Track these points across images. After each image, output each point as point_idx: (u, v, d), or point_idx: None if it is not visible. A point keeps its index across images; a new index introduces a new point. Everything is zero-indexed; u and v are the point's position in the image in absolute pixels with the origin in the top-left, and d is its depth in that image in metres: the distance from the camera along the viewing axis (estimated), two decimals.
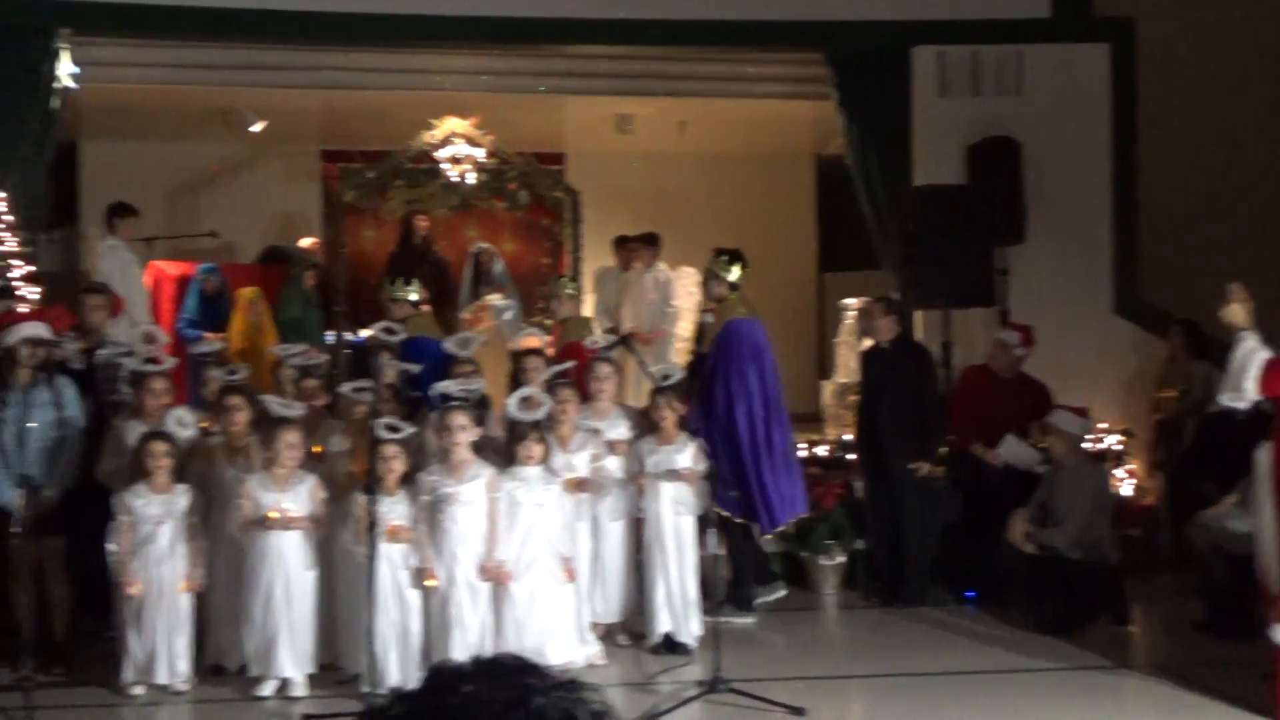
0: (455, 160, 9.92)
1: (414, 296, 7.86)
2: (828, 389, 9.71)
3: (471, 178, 10.03)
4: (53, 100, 8.97)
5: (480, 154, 9.97)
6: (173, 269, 9.89)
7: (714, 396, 6.92)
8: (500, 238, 11.54)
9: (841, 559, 8.05)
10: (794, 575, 8.21)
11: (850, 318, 9.66)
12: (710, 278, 7.33)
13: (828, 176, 12.09)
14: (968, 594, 7.59)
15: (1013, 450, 7.67)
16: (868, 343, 9.08)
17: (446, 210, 11.14)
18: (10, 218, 8.66)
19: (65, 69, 9.08)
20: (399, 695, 1.11)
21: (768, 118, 10.88)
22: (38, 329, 6.29)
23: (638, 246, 10.05)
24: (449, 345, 7.38)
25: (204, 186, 12.14)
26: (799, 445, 8.71)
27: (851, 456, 8.37)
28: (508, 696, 1.03)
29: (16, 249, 8.64)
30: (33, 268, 8.90)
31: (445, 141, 9.90)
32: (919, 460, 7.52)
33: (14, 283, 7.56)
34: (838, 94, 9.44)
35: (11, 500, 6.07)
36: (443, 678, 1.09)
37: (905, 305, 8.36)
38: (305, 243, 11.02)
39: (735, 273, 7.29)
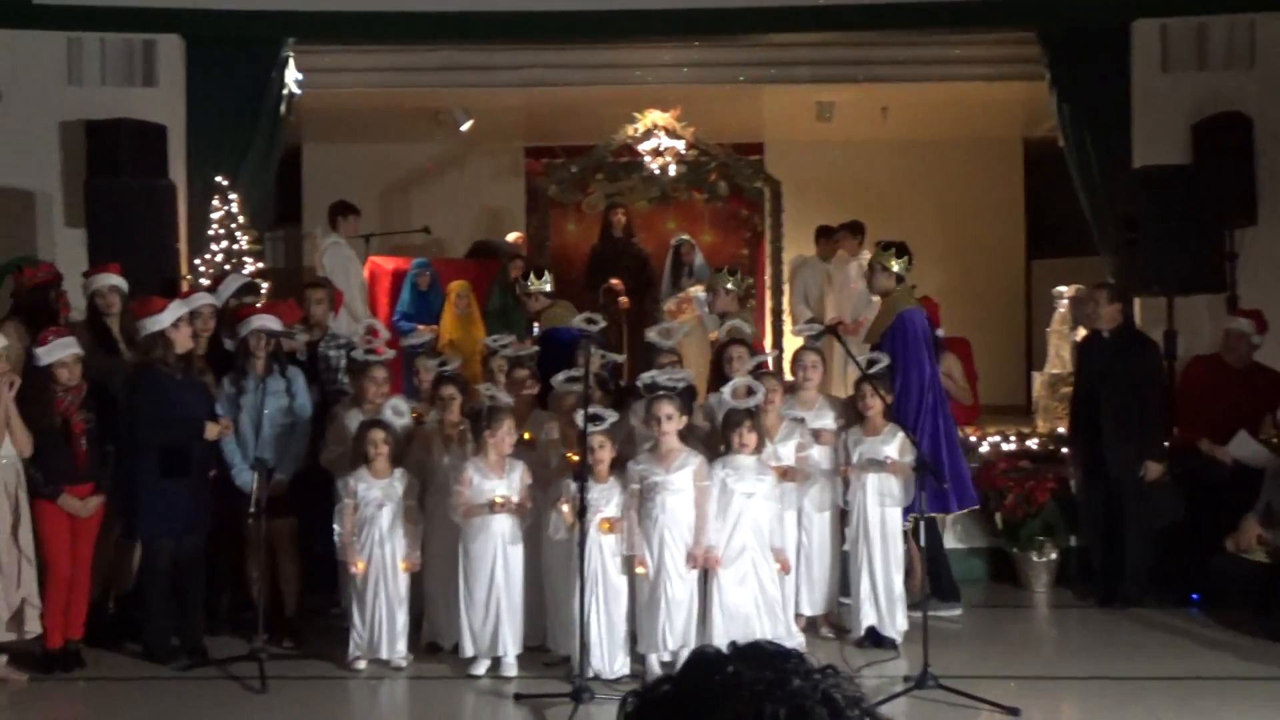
0: (657, 152, 10.00)
1: (547, 288, 7.99)
2: (1039, 380, 9.37)
3: (672, 169, 10.08)
4: (280, 107, 9.47)
5: (681, 145, 10.02)
6: (388, 264, 10.31)
7: (893, 388, 6.76)
8: (699, 229, 11.57)
9: (1053, 556, 7.77)
10: (1003, 572, 7.98)
11: (1063, 306, 9.29)
12: (875, 270, 7.20)
13: (1036, 160, 11.69)
14: (1192, 596, 7.20)
15: (1244, 447, 7.22)
16: (1082, 332, 8.73)
17: (646, 203, 11.24)
18: (242, 218, 9.20)
19: (291, 77, 9.58)
20: (663, 676, 1.14)
21: (974, 101, 10.56)
22: (270, 321, 6.66)
23: (843, 235, 9.92)
24: (651, 336, 7.45)
25: (415, 185, 12.63)
26: (1009, 437, 8.47)
27: (1065, 450, 8.04)
28: (769, 678, 1.05)
29: (247, 247, 9.17)
30: (261, 265, 9.45)
31: (647, 134, 9.99)
32: (1145, 459, 7.17)
33: (252, 280, 8.01)
34: (1050, 73, 9.07)
35: (249, 482, 6.47)
36: (704, 660, 1.12)
37: (1126, 292, 7.97)
38: (511, 237, 11.35)
39: (900, 264, 7.18)
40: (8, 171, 9.09)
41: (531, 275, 7.93)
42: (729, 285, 7.87)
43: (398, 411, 6.61)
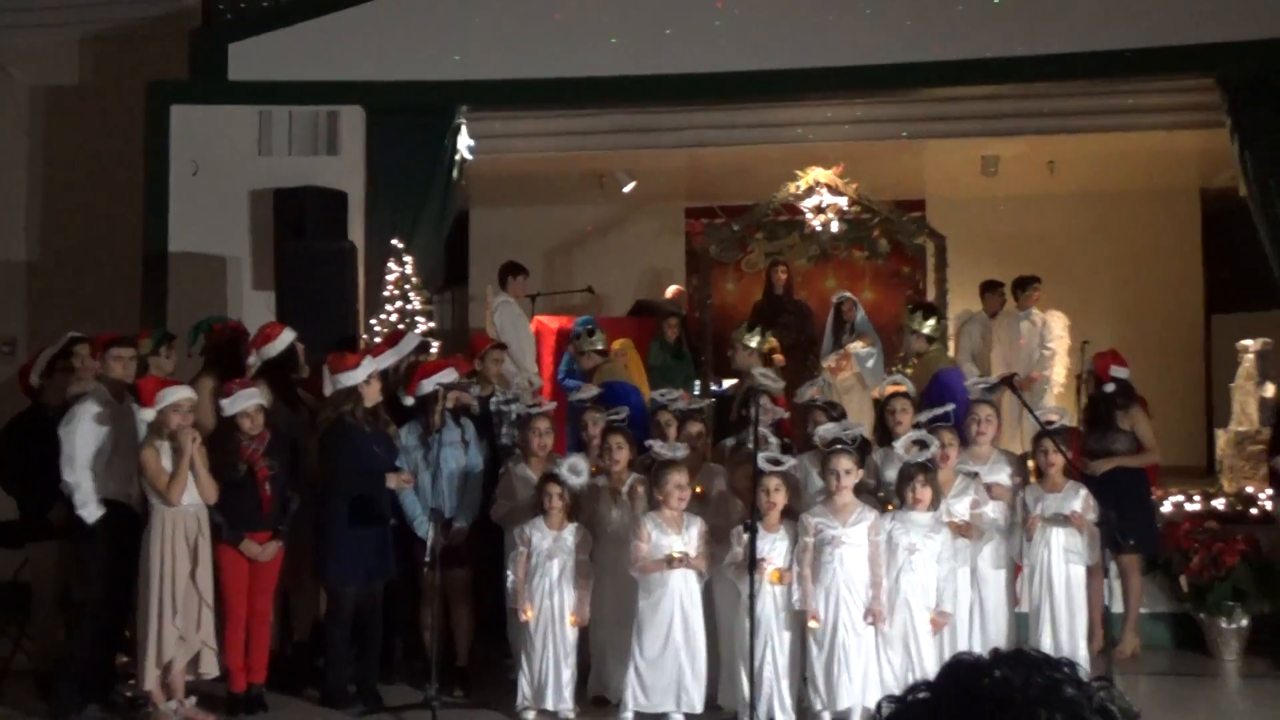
0: (819, 209, 10.01)
1: (599, 346, 8.25)
2: (1223, 438, 8.95)
3: (835, 226, 10.07)
4: (454, 172, 9.84)
5: (843, 202, 10.01)
6: (553, 323, 10.54)
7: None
8: (860, 287, 11.52)
9: (1245, 622, 7.37)
10: (1190, 638, 7.61)
11: (1249, 360, 8.89)
12: (906, 333, 7.42)
13: (1215, 211, 11.27)
14: None
15: None
16: (1271, 388, 8.35)
17: (806, 261, 11.24)
18: (415, 279, 9.54)
19: (464, 143, 9.95)
20: (920, 683, 1.10)
21: (1147, 151, 10.27)
22: (449, 375, 6.87)
23: (1019, 290, 9.72)
24: (803, 392, 7.41)
25: (578, 246, 12.91)
26: (1193, 497, 8.12)
27: (1269, 505, 7.65)
28: (1040, 684, 1.02)
29: (420, 307, 9.50)
30: (433, 324, 9.77)
31: (809, 191, 10.01)
32: None
33: (426, 339, 8.29)
34: (1231, 120, 8.78)
35: (424, 532, 6.65)
36: (966, 665, 1.08)
37: None
38: (670, 290, 11.48)
39: (930, 325, 7.43)
40: (202, 239, 9.65)
41: (584, 334, 8.16)
42: (747, 341, 7.81)
43: (575, 470, 6.67)
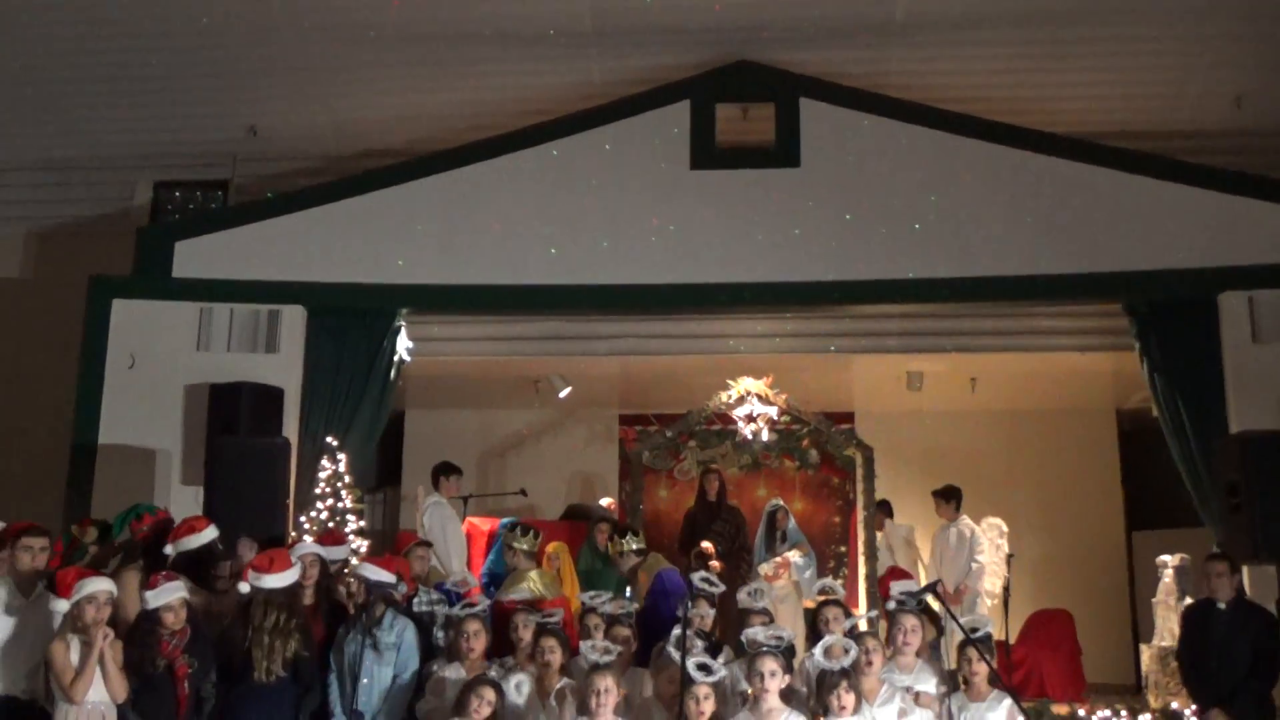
0: (750, 418, 10.22)
1: (635, 546, 8.64)
2: (1147, 654, 9.03)
3: (765, 435, 10.26)
4: (391, 373, 9.96)
5: (774, 412, 10.24)
6: (484, 524, 10.48)
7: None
8: (790, 496, 11.63)
9: None
10: None
11: (1169, 576, 9.06)
12: (618, 556, 8.59)
13: (1131, 430, 11.68)
14: None
15: None
16: (1188, 601, 8.51)
17: (737, 469, 11.38)
18: (348, 478, 9.52)
19: (403, 345, 10.12)
20: None
21: (1064, 371, 10.70)
22: (376, 571, 6.79)
23: (938, 501, 9.92)
24: (742, 596, 7.44)
25: (512, 450, 12.98)
26: (1120, 713, 8.11)
27: None
28: None
29: (351, 505, 9.45)
30: (363, 524, 9.69)
31: (740, 400, 10.25)
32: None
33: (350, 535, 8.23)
34: (1140, 344, 9.22)
35: None
36: None
37: (1233, 562, 7.79)
38: (604, 502, 11.54)
39: (636, 542, 8.61)
40: (133, 431, 9.59)
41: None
42: (632, 546, 8.56)
43: (519, 689, 6.52)
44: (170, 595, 6.27)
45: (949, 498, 9.90)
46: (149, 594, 6.26)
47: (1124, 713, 8.10)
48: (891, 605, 6.70)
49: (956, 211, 9.58)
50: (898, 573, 8.41)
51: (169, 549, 6.76)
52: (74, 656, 6.14)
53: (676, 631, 6.48)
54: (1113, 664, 10.60)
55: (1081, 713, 7.97)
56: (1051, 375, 10.83)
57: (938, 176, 9.68)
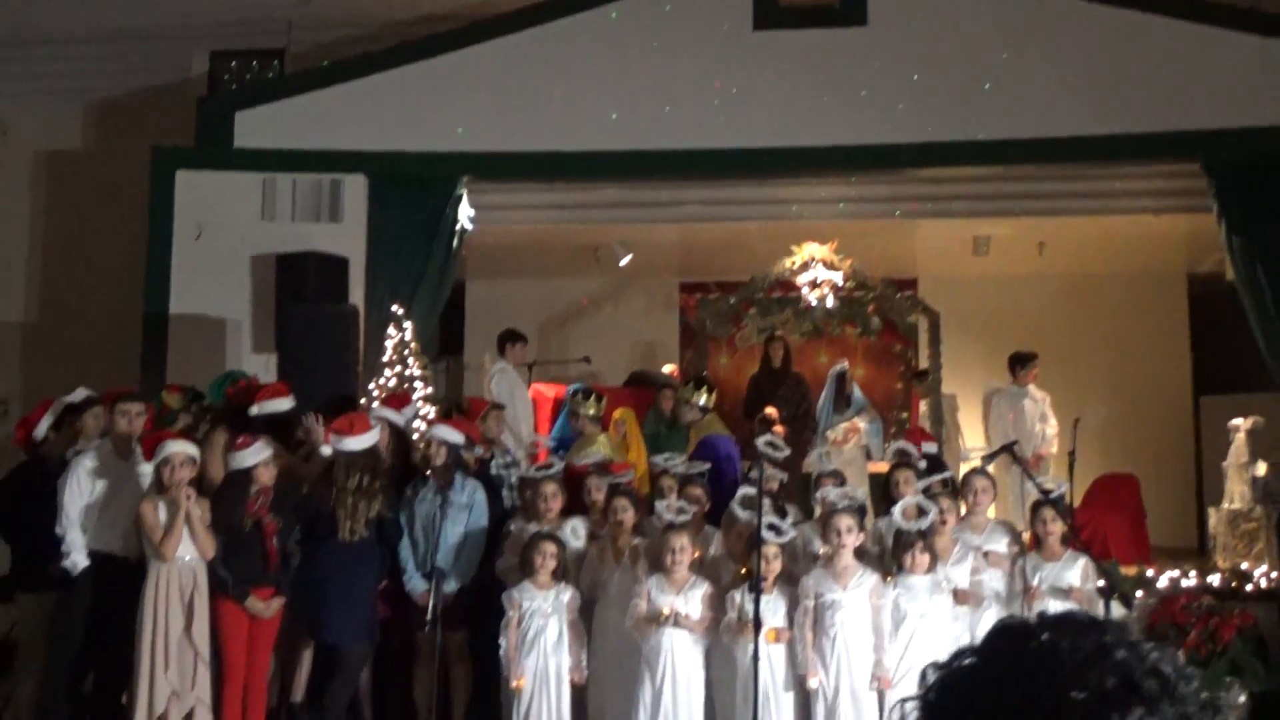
0: (814, 284, 10.15)
1: (702, 401, 8.58)
2: (1215, 516, 9.02)
3: (829, 302, 10.20)
4: (454, 241, 9.96)
5: (838, 278, 10.15)
6: (549, 391, 10.58)
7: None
8: (851, 363, 11.58)
9: (1242, 699, 7.35)
10: None
11: (1240, 440, 8.99)
12: (681, 404, 8.47)
13: (1202, 295, 11.47)
14: None
15: None
16: (1262, 467, 8.46)
17: (799, 336, 11.35)
18: (414, 345, 9.60)
19: (465, 213, 10.09)
20: (965, 649, 1.05)
21: (1135, 234, 10.48)
22: (449, 432, 6.90)
23: (1019, 366, 9.83)
24: (811, 460, 7.50)
25: (572, 319, 13.01)
26: (1188, 573, 8.14)
27: (1251, 587, 7.69)
28: (1089, 647, 0.97)
29: (419, 373, 9.55)
30: (430, 390, 9.81)
31: (804, 267, 10.16)
32: None
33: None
34: (1218, 205, 8.99)
35: (418, 589, 6.64)
36: (1012, 630, 1.04)
37: None
38: (667, 369, 11.58)
39: (703, 397, 8.48)
40: (202, 301, 9.72)
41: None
42: (586, 410, 8.32)
43: (575, 533, 6.73)
44: (258, 456, 6.42)
45: (1027, 363, 9.80)
46: (237, 454, 6.42)
47: (1193, 573, 8.13)
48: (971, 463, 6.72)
49: (1028, 70, 9.29)
50: (921, 434, 8.37)
51: (254, 410, 6.89)
52: (162, 516, 6.34)
53: (742, 491, 6.57)
54: (1176, 528, 10.61)
55: (1150, 573, 8.01)
56: (1122, 238, 10.61)
57: (1009, 34, 9.38)
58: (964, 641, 6.11)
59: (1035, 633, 1.01)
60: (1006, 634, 1.04)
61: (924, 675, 1.05)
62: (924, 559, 5.97)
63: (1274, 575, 7.83)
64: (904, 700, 1.04)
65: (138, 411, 6.82)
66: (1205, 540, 9.65)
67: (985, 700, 0.97)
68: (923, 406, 10.57)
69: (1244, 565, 8.14)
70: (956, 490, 6.67)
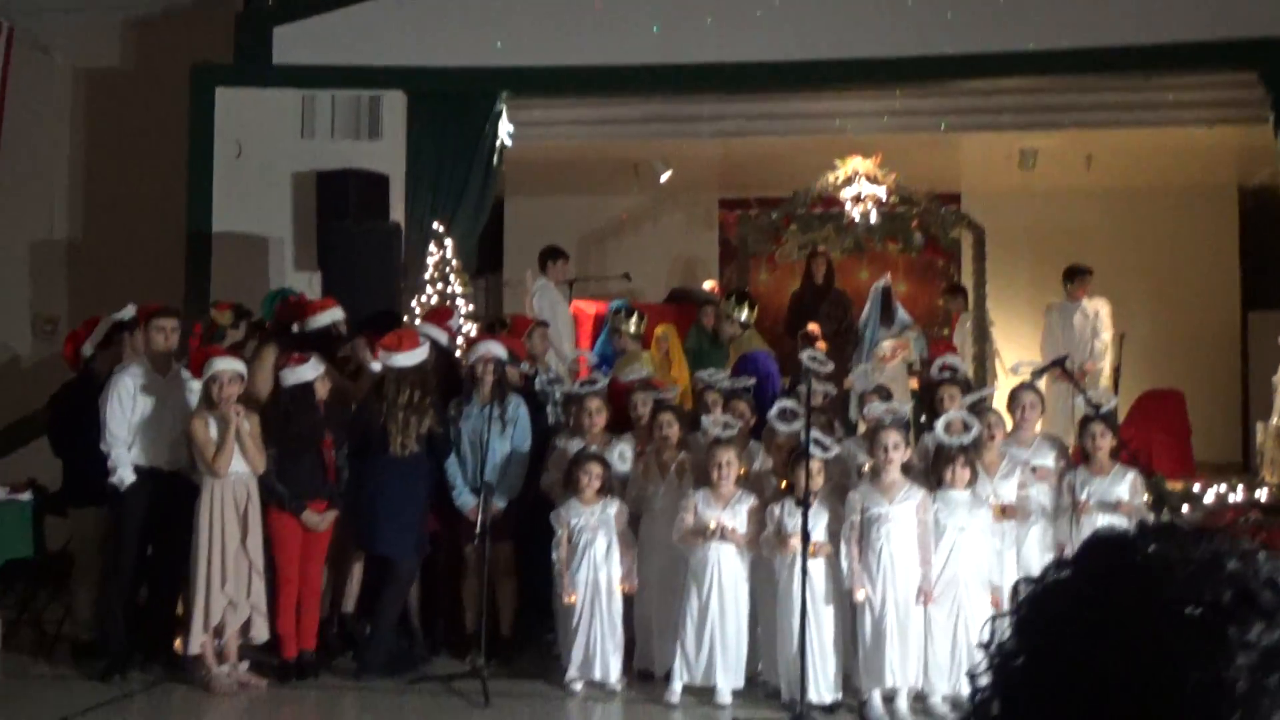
0: (857, 199, 10.04)
1: (743, 317, 8.60)
2: (1262, 431, 8.95)
3: (873, 217, 10.09)
4: (493, 158, 9.91)
5: (882, 192, 10.03)
6: (590, 308, 10.59)
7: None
8: (893, 279, 11.51)
9: None
10: None
11: None
12: (723, 319, 8.37)
13: (1253, 208, 11.27)
14: None
15: None
16: None
17: (839, 253, 11.26)
18: (455, 262, 9.61)
19: (504, 129, 10.02)
20: (1060, 560, 0.96)
21: (1185, 147, 10.27)
22: (497, 348, 6.93)
23: (1074, 279, 9.74)
24: (855, 377, 7.48)
25: (611, 236, 12.95)
26: (1235, 488, 8.12)
27: None
28: (1200, 558, 0.88)
29: (460, 290, 9.57)
30: (472, 308, 9.84)
31: (847, 181, 10.04)
32: None
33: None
34: (1273, 116, 8.77)
35: (468, 504, 6.73)
36: (1111, 542, 0.94)
37: None
38: (707, 285, 11.54)
39: (745, 313, 8.42)
40: (244, 219, 9.75)
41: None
42: (627, 329, 8.35)
43: (623, 457, 6.78)
44: (316, 370, 6.48)
45: (1074, 277, 9.70)
46: (296, 369, 6.48)
47: (1240, 488, 8.10)
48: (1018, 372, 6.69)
49: None
50: (946, 346, 8.39)
51: (306, 325, 6.94)
52: (213, 432, 6.43)
53: (780, 405, 6.58)
54: (1222, 443, 10.55)
55: (1196, 488, 7.99)
56: (1172, 150, 10.40)
57: None
58: (1006, 557, 6.18)
59: (1139, 543, 0.92)
60: (1106, 545, 0.95)
61: (1015, 590, 0.96)
62: (964, 473, 5.98)
63: None
64: (995, 617, 0.95)
65: (173, 327, 6.86)
66: (1250, 456, 9.60)
67: (1086, 617, 0.88)
68: (963, 321, 10.48)
69: None
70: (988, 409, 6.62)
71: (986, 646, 0.92)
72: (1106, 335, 9.39)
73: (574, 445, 6.83)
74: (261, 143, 9.82)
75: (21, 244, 11.36)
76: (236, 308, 7.53)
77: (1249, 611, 0.82)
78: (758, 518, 6.15)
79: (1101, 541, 0.96)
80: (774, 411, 6.56)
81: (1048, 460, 6.55)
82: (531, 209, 12.51)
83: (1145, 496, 6.10)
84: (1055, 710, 0.85)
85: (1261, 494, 8.08)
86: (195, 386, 6.79)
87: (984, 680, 0.92)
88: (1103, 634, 0.85)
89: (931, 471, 6.17)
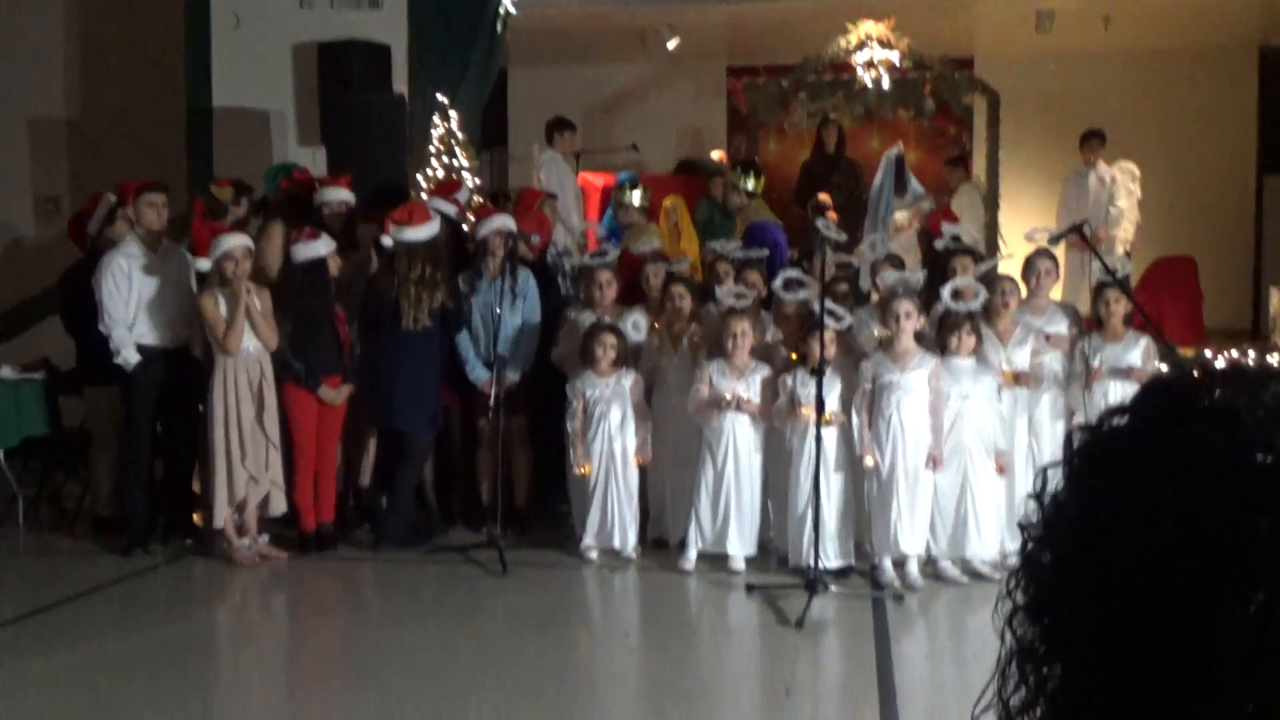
0: (869, 64, 9.82)
1: (749, 186, 8.64)
2: (1276, 296, 8.90)
3: (885, 83, 9.88)
4: (498, 26, 9.67)
5: (894, 57, 9.80)
6: (598, 180, 10.46)
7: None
8: (905, 147, 11.35)
9: None
10: None
11: None
12: (729, 188, 8.41)
13: (1274, 70, 11.01)
14: None
15: None
16: None
17: (849, 121, 11.08)
18: (461, 135, 9.46)
19: None
20: (1115, 408, 0.88)
21: (1206, 6, 9.98)
22: (509, 221, 6.86)
23: (1089, 144, 9.59)
24: (864, 249, 7.41)
25: (617, 107, 12.74)
26: (1246, 352, 8.11)
27: None
28: (1270, 403, 0.82)
29: (467, 164, 9.44)
30: (479, 181, 9.72)
31: (859, 45, 9.81)
32: None
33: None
34: None
35: (482, 379, 6.74)
36: (1175, 386, 0.87)
37: None
38: (715, 155, 11.38)
39: (751, 182, 8.46)
40: (245, 93, 9.57)
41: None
42: (630, 200, 8.20)
43: (637, 327, 6.77)
44: (325, 247, 6.44)
45: (1088, 141, 9.54)
46: (309, 245, 6.42)
47: (1251, 353, 8.09)
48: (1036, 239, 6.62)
49: None
50: (947, 214, 8.34)
51: (317, 198, 6.86)
52: (223, 310, 6.42)
53: (785, 274, 6.55)
54: (1231, 309, 10.50)
55: (1208, 353, 7.98)
56: (1193, 10, 10.11)
57: None
58: (1018, 423, 6.19)
59: (1204, 387, 0.84)
60: (1167, 390, 0.87)
61: (1069, 439, 0.89)
62: (970, 341, 5.97)
63: None
64: (1046, 467, 0.88)
65: (163, 202, 6.77)
66: (1261, 322, 9.56)
67: (1145, 464, 0.81)
68: (963, 192, 10.32)
69: None
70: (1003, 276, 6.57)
71: (1038, 497, 0.87)
72: (1123, 202, 9.27)
73: (585, 318, 6.81)
74: (259, 14, 9.58)
75: (21, 124, 11.19)
76: (237, 183, 7.43)
77: None
78: (771, 388, 6.17)
79: (1162, 386, 0.90)
80: (779, 282, 6.52)
81: (1061, 327, 6.53)
82: (536, 80, 12.27)
83: (1158, 363, 6.08)
84: (1109, 561, 0.80)
85: (1273, 360, 8.07)
86: (202, 266, 6.74)
87: (1035, 532, 0.87)
88: (1163, 482, 0.80)
89: (937, 339, 6.15)
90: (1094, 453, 0.88)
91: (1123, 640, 0.79)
